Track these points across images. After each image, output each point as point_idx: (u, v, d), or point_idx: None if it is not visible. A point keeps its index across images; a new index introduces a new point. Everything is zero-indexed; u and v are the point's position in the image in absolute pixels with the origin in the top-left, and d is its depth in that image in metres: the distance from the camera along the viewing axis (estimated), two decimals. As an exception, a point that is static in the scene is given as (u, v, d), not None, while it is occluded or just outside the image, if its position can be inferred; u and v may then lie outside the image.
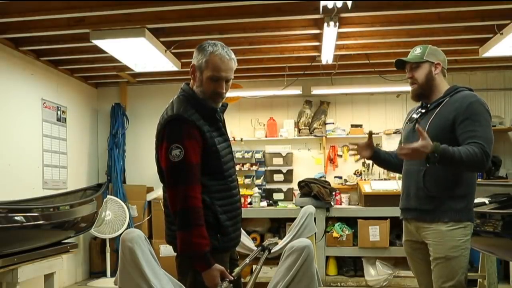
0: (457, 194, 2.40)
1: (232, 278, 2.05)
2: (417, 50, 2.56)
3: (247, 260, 2.40)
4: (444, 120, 2.41)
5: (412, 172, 2.51)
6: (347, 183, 6.13)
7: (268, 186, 6.25)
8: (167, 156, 2.04)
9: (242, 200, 5.75)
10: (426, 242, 2.48)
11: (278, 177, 6.26)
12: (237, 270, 2.19)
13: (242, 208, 2.33)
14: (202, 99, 2.16)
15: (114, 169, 6.29)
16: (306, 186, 5.53)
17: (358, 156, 2.97)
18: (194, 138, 2.06)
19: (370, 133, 2.72)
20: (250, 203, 5.84)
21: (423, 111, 2.56)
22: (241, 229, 2.36)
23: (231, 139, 2.93)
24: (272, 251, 2.77)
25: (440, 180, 2.40)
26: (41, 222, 3.66)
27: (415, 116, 2.59)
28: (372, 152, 2.72)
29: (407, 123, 2.68)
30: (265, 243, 2.80)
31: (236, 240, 2.26)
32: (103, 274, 5.99)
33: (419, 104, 2.67)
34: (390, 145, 5.90)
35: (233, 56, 2.18)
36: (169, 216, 2.16)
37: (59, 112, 5.61)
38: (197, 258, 2.01)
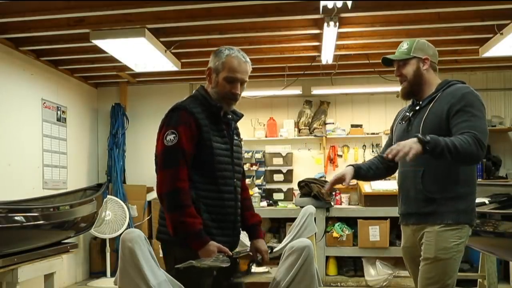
0: (457, 194, 2.27)
1: (231, 254, 2.05)
2: (404, 46, 2.43)
3: (248, 249, 2.37)
4: (439, 116, 2.29)
5: (408, 174, 2.38)
6: (347, 183, 6.13)
7: (268, 186, 6.25)
8: (163, 140, 2.09)
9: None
10: (421, 244, 2.35)
11: (278, 177, 6.26)
12: (238, 250, 2.18)
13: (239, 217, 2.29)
14: (209, 98, 2.20)
15: (114, 169, 6.29)
16: (306, 186, 5.53)
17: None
18: (189, 126, 2.09)
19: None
20: (250, 203, 5.84)
21: (416, 108, 2.42)
22: (240, 239, 2.33)
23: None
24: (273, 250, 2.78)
25: (438, 181, 2.28)
26: (41, 222, 3.66)
27: (408, 115, 2.46)
28: (351, 176, 2.47)
29: (400, 122, 2.53)
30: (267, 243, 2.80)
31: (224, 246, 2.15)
32: (103, 274, 5.99)
33: (410, 103, 2.54)
34: (390, 145, 5.91)
35: (248, 59, 2.24)
36: (163, 212, 2.16)
37: (59, 112, 5.61)
38: (192, 237, 2.02)
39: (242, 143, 2.48)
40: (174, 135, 2.06)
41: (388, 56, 2.46)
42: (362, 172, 2.55)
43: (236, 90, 2.21)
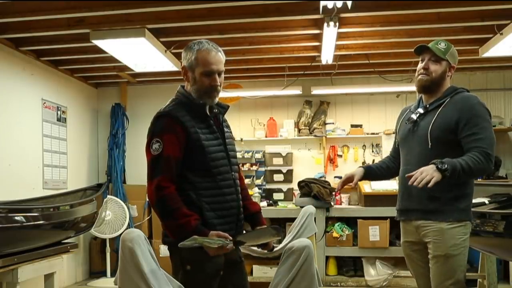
0: (459, 194, 2.42)
1: (231, 238, 2.05)
2: (442, 45, 2.48)
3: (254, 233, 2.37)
4: (448, 121, 2.41)
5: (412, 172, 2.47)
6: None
7: (268, 186, 6.25)
8: (149, 150, 2.13)
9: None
10: (426, 241, 2.47)
11: (278, 177, 6.26)
12: (241, 236, 2.18)
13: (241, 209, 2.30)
14: (191, 98, 2.20)
15: (114, 169, 6.30)
16: (306, 186, 5.53)
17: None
18: (174, 132, 2.11)
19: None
20: (250, 203, 5.84)
21: (421, 111, 2.53)
22: (244, 232, 2.33)
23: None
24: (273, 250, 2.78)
25: (441, 181, 2.35)
26: (41, 222, 3.66)
27: (414, 117, 2.55)
28: (360, 177, 2.69)
29: (406, 123, 2.63)
30: None
31: None
32: (103, 274, 5.99)
33: (414, 103, 2.66)
34: (390, 145, 5.89)
35: (219, 48, 2.22)
36: None
37: (59, 112, 5.61)
38: (192, 235, 2.01)
39: (237, 139, 2.49)
40: (158, 144, 2.10)
41: (432, 47, 2.47)
42: (372, 172, 2.76)
43: (215, 82, 2.19)
